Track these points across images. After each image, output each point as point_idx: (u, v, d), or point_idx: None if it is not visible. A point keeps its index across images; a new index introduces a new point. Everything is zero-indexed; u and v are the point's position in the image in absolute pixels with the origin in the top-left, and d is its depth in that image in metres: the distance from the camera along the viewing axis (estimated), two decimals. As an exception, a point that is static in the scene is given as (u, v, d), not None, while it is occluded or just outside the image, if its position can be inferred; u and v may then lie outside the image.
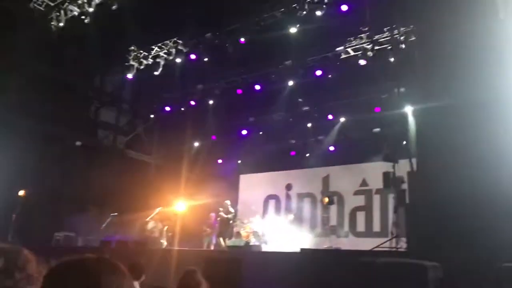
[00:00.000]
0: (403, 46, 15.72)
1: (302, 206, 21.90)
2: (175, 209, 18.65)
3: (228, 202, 18.49)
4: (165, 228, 18.23)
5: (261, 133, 23.27)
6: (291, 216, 19.05)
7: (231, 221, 18.28)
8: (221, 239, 17.51)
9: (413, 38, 15.07)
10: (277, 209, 22.61)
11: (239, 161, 24.39)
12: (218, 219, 18.14)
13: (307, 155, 22.26)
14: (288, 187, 22.61)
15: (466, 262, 7.85)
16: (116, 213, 18.75)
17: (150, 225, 17.58)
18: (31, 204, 18.01)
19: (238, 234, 17.99)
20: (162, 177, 23.14)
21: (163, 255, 12.49)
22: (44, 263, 3.11)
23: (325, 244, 17.13)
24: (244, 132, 23.40)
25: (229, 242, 16.81)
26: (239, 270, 10.50)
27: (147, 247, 14.60)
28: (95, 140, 22.44)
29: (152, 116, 24.86)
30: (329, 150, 21.46)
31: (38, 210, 18.61)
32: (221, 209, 18.24)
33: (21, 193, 17.77)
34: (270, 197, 23.11)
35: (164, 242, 17.78)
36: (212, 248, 17.44)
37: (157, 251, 13.13)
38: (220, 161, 24.56)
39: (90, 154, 22.34)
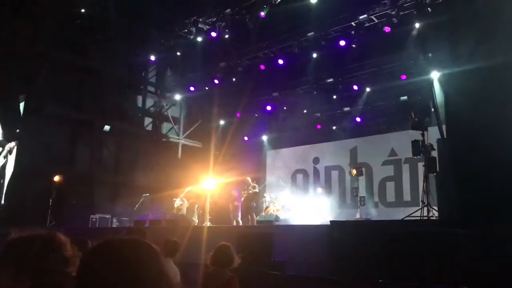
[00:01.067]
0: (429, 9, 15.34)
1: (330, 179, 21.85)
2: (204, 187, 18.72)
3: (249, 179, 18.28)
4: (196, 206, 18.33)
5: (285, 108, 23.16)
6: (319, 190, 19.03)
7: (255, 198, 18.15)
8: (249, 215, 17.50)
9: (440, 0, 14.69)
10: (305, 183, 22.59)
11: (265, 137, 24.38)
12: (244, 195, 18.04)
13: (334, 127, 22.08)
14: (316, 160, 22.55)
15: (501, 230, 7.65)
16: (147, 194, 18.99)
17: (177, 203, 17.72)
18: (65, 188, 18.32)
19: (267, 209, 18.01)
20: (191, 157, 23.30)
21: (195, 232, 12.60)
22: (82, 244, 3.17)
23: (355, 216, 17.09)
24: (269, 108, 23.29)
25: (259, 217, 16.83)
26: (270, 244, 10.54)
27: (179, 224, 14.76)
28: (123, 124, 22.61)
29: (177, 96, 24.88)
30: (355, 121, 21.24)
31: (73, 194, 18.94)
32: (246, 186, 18.21)
33: (56, 178, 18.08)
34: (297, 171, 23.10)
35: (196, 220, 17.93)
36: (235, 224, 17.48)
37: (188, 228, 13.23)
38: (246, 138, 24.56)
39: (119, 137, 22.56)
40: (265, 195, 19.25)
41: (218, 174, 19.96)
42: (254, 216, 17.35)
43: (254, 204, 18.05)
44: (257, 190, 18.20)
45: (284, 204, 17.93)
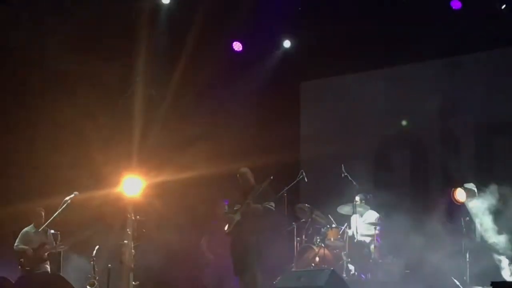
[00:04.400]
0: None
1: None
2: (122, 193, 9.11)
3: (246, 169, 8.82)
4: (96, 248, 9.30)
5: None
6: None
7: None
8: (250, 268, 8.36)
9: None
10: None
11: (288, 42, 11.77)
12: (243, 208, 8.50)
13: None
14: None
15: None
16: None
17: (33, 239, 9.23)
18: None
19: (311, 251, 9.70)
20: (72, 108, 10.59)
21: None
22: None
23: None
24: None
25: (280, 280, 7.97)
26: None
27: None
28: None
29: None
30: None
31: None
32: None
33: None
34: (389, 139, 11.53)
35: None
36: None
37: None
38: (237, 44, 11.72)
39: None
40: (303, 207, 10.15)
41: (161, 159, 10.56)
42: (258, 274, 8.40)
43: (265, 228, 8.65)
44: (272, 199, 8.66)
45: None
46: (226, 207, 9.18)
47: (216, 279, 9.59)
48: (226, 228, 8.64)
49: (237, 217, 8.47)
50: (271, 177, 8.54)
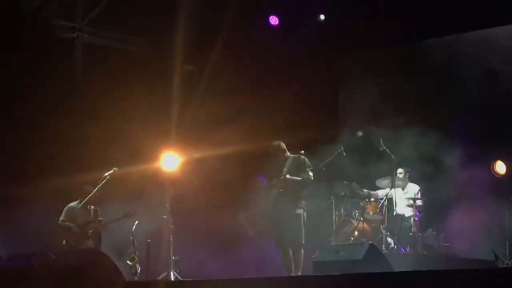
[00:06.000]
0: None
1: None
2: (161, 169, 9.81)
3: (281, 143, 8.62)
4: (135, 223, 9.17)
5: None
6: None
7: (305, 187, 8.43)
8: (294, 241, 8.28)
9: None
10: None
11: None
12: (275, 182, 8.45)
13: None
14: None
15: None
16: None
17: (74, 213, 9.37)
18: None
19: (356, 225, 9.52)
20: (111, 82, 10.61)
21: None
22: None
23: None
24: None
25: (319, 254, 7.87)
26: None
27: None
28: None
29: None
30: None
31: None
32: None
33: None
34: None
35: (135, 265, 8.89)
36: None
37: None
38: (274, 18, 11.53)
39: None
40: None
41: (198, 135, 10.66)
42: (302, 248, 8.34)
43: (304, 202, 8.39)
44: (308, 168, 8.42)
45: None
46: (265, 182, 9.07)
47: (256, 254, 9.63)
48: (264, 202, 8.63)
49: (275, 191, 8.38)
50: (302, 151, 8.39)
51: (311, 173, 8.33)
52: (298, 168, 8.31)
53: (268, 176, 8.78)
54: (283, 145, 8.55)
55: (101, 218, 9.23)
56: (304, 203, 8.35)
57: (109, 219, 9.28)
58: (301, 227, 8.23)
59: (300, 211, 8.27)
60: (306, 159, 8.42)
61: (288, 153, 8.50)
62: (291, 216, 8.23)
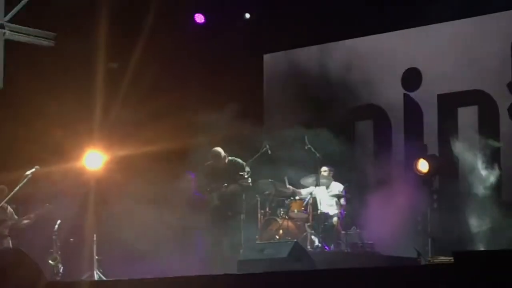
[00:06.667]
0: None
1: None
2: (84, 167, 9.76)
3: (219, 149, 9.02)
4: (58, 223, 9.12)
5: None
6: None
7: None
8: None
9: None
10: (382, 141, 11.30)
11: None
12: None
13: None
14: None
15: None
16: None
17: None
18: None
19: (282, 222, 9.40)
20: (36, 79, 10.19)
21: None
22: None
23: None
24: None
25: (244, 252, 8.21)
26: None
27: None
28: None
29: None
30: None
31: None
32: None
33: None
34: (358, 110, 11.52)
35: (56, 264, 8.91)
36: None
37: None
38: (199, 16, 11.61)
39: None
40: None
41: (123, 133, 10.55)
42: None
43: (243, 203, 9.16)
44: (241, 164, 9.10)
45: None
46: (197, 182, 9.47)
47: (181, 252, 9.59)
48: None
49: (216, 200, 8.72)
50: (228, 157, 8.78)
51: (250, 180, 8.70)
52: (237, 174, 8.55)
53: (209, 179, 9.03)
54: (222, 151, 8.90)
55: (23, 218, 9.01)
56: (243, 206, 8.84)
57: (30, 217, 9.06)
58: (240, 229, 8.76)
59: (240, 215, 8.78)
60: (244, 163, 8.87)
61: (227, 159, 8.70)
62: (231, 220, 8.60)
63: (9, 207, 9.09)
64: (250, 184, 8.84)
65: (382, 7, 10.46)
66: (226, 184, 8.61)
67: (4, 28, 10.21)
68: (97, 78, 10.46)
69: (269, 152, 9.79)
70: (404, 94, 11.08)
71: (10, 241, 9.06)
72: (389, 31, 11.04)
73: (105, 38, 10.35)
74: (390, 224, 9.70)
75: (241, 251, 8.25)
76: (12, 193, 8.82)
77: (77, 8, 10.34)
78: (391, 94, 11.10)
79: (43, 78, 10.18)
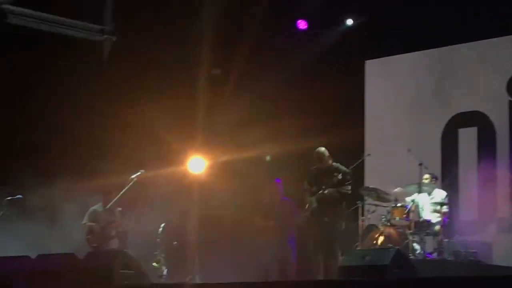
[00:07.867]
0: None
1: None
2: (187, 171, 10.25)
3: (323, 149, 8.73)
4: (162, 225, 9.42)
5: None
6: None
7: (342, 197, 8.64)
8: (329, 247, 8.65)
9: None
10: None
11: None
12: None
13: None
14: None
15: None
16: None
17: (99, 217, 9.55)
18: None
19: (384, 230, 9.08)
20: (135, 86, 10.98)
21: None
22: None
23: None
24: None
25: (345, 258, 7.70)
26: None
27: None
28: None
29: None
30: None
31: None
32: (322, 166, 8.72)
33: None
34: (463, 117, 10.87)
35: (161, 267, 9.19)
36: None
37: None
38: (302, 23, 11.62)
39: None
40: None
41: (225, 137, 10.84)
42: (338, 252, 8.60)
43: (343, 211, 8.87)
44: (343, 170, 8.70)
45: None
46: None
47: (277, 261, 9.56)
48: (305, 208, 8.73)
49: (314, 202, 8.56)
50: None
51: (350, 187, 8.62)
52: (338, 179, 8.52)
53: (309, 182, 8.88)
54: (327, 152, 8.72)
55: (128, 221, 9.36)
56: (340, 214, 8.67)
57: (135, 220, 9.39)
58: (336, 237, 8.60)
59: (336, 222, 8.60)
60: (348, 170, 8.73)
61: (331, 161, 8.67)
62: (327, 227, 8.52)
63: (117, 209, 9.49)
64: (349, 191, 8.69)
65: (486, 13, 10.12)
66: (324, 188, 8.49)
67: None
68: (201, 85, 10.76)
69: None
70: (510, 101, 10.64)
71: (116, 243, 9.45)
72: (494, 37, 10.66)
73: (209, 45, 10.67)
74: (494, 233, 9.40)
75: (342, 257, 8.16)
76: (119, 195, 9.22)
77: (179, 14, 10.67)
78: (496, 101, 10.73)
79: (148, 86, 10.61)
